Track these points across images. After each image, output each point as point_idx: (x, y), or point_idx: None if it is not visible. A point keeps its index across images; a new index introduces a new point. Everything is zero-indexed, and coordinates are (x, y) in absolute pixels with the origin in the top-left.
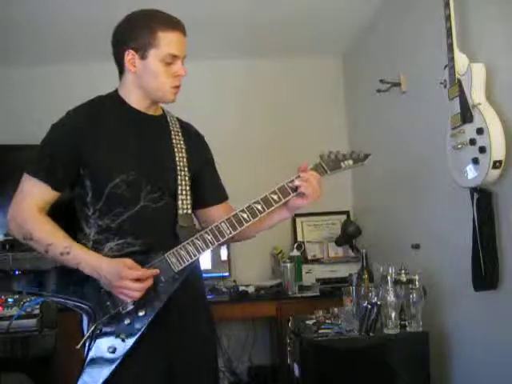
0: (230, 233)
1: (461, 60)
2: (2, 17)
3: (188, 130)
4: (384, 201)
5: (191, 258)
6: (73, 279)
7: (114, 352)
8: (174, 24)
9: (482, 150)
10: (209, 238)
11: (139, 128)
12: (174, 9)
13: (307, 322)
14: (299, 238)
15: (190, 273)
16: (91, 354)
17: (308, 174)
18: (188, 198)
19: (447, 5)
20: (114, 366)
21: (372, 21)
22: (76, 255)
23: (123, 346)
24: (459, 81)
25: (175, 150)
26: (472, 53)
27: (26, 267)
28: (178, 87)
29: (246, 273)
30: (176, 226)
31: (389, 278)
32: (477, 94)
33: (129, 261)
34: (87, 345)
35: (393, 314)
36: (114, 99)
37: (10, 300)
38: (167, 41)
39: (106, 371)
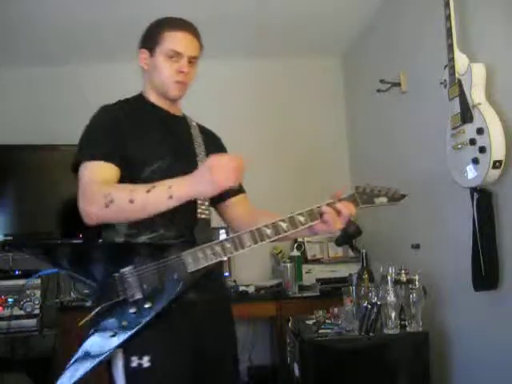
0: (250, 245)
1: (461, 60)
2: (2, 17)
3: (206, 131)
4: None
5: (206, 262)
6: (91, 259)
7: (113, 336)
8: (181, 24)
9: (482, 149)
10: (228, 246)
11: (165, 124)
12: (174, 10)
13: (307, 321)
14: (299, 238)
15: (210, 275)
16: (93, 334)
17: (343, 206)
18: (206, 203)
19: (447, 5)
20: (109, 352)
21: (372, 21)
22: (164, 184)
23: (123, 333)
24: (459, 81)
25: (196, 151)
26: (472, 53)
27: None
28: (181, 83)
29: (246, 273)
30: (194, 229)
31: (389, 277)
32: (477, 94)
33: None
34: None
35: (393, 314)
36: (138, 99)
37: (9, 300)
38: (172, 38)
39: (99, 357)
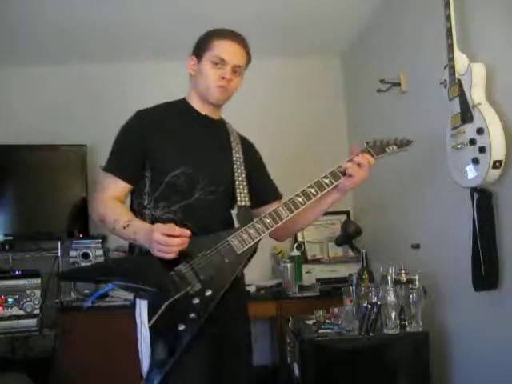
0: (287, 215)
1: (461, 60)
2: (1, 17)
3: (243, 138)
4: (384, 201)
5: (252, 240)
6: (144, 266)
7: (184, 330)
8: (229, 34)
9: (482, 149)
10: (268, 221)
11: (201, 128)
12: (174, 10)
13: (307, 321)
14: (299, 238)
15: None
16: (162, 333)
17: (361, 158)
18: (245, 190)
19: (447, 5)
20: (184, 344)
21: (372, 21)
22: (134, 226)
23: (194, 323)
24: (459, 81)
25: (233, 150)
26: (472, 53)
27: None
28: (222, 87)
29: (246, 273)
30: (236, 216)
31: (389, 277)
32: (477, 94)
33: (168, 223)
34: (144, 326)
35: (393, 314)
36: (179, 103)
37: (9, 300)
38: (219, 46)
39: (177, 349)
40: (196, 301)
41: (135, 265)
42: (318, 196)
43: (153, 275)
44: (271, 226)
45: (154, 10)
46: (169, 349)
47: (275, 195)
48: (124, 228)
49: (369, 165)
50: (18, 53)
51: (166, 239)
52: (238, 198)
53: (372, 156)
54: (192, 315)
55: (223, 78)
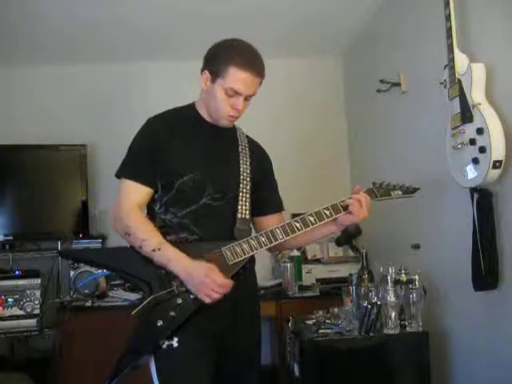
0: (283, 238)
1: (461, 60)
2: (2, 17)
3: (254, 145)
4: (383, 201)
5: (244, 255)
6: (138, 258)
7: (162, 326)
8: (248, 64)
9: (482, 149)
10: (263, 239)
11: (210, 136)
12: (174, 9)
13: (307, 321)
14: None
15: (246, 274)
16: (142, 324)
17: (360, 196)
18: (247, 204)
19: (447, 5)
20: (160, 339)
21: (372, 21)
22: (166, 253)
23: (172, 322)
24: (459, 81)
25: (241, 160)
26: (472, 53)
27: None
28: (233, 117)
29: None
30: (234, 228)
31: (389, 277)
32: (477, 94)
33: (213, 266)
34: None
35: (393, 314)
36: (189, 110)
37: (9, 300)
38: (234, 77)
39: (152, 343)
40: (179, 301)
41: (131, 256)
42: (316, 225)
43: (146, 269)
44: (265, 245)
45: (155, 9)
46: (145, 340)
47: (277, 208)
48: (154, 251)
49: (367, 205)
50: (18, 53)
51: (220, 289)
52: (239, 211)
53: (375, 196)
54: (172, 313)
55: (235, 108)
